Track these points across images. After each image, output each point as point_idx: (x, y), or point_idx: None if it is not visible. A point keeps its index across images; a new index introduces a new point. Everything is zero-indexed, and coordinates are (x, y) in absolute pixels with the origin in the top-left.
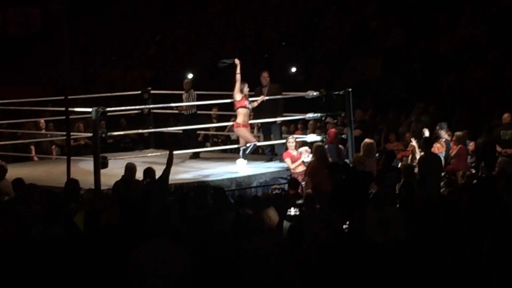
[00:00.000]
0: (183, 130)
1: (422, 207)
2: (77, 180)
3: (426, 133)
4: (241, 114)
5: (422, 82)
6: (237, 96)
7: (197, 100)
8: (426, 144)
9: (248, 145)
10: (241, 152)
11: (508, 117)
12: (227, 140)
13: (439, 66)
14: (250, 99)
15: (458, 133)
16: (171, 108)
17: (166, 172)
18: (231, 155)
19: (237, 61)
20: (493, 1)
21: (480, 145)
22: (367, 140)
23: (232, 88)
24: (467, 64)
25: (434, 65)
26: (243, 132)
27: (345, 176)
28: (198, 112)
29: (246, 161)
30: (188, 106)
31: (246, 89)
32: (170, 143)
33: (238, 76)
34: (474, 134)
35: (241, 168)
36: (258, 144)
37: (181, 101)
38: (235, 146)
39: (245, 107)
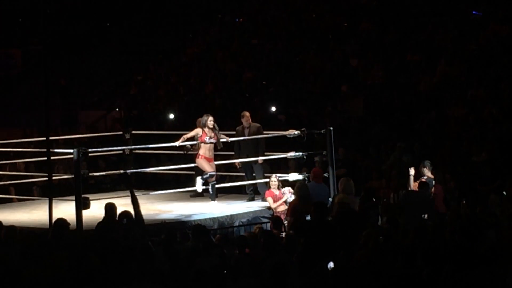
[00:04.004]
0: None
1: (406, 244)
2: (66, 219)
3: (412, 171)
4: (203, 147)
5: (402, 120)
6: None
7: None
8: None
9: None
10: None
11: (487, 154)
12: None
13: (419, 104)
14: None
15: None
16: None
17: (138, 213)
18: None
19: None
20: (472, 38)
21: (462, 183)
22: (344, 178)
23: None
24: (447, 102)
25: (414, 103)
26: (201, 163)
27: (331, 216)
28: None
29: (202, 181)
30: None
31: (209, 122)
32: (128, 184)
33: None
34: (456, 171)
35: (198, 187)
36: (242, 183)
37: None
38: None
39: (205, 142)
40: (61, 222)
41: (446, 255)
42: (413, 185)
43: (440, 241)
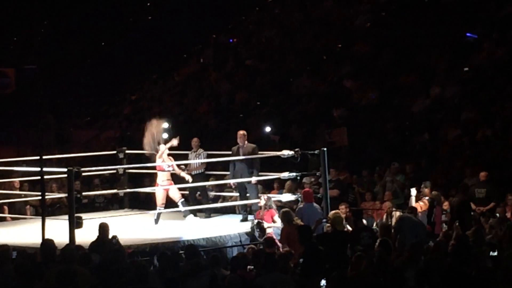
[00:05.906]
0: (190, 189)
1: (398, 266)
2: (53, 240)
3: (413, 192)
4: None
5: (396, 141)
6: (158, 160)
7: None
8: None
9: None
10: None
11: (484, 176)
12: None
13: (412, 126)
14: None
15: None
16: (147, 168)
17: None
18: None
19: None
20: (465, 61)
21: (454, 204)
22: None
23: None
24: (440, 124)
25: (407, 125)
26: (158, 193)
27: (318, 238)
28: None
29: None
30: (195, 165)
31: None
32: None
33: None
34: (449, 193)
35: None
36: (236, 203)
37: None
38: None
39: (163, 170)
40: (48, 243)
41: (439, 277)
42: (417, 205)
43: (433, 263)
